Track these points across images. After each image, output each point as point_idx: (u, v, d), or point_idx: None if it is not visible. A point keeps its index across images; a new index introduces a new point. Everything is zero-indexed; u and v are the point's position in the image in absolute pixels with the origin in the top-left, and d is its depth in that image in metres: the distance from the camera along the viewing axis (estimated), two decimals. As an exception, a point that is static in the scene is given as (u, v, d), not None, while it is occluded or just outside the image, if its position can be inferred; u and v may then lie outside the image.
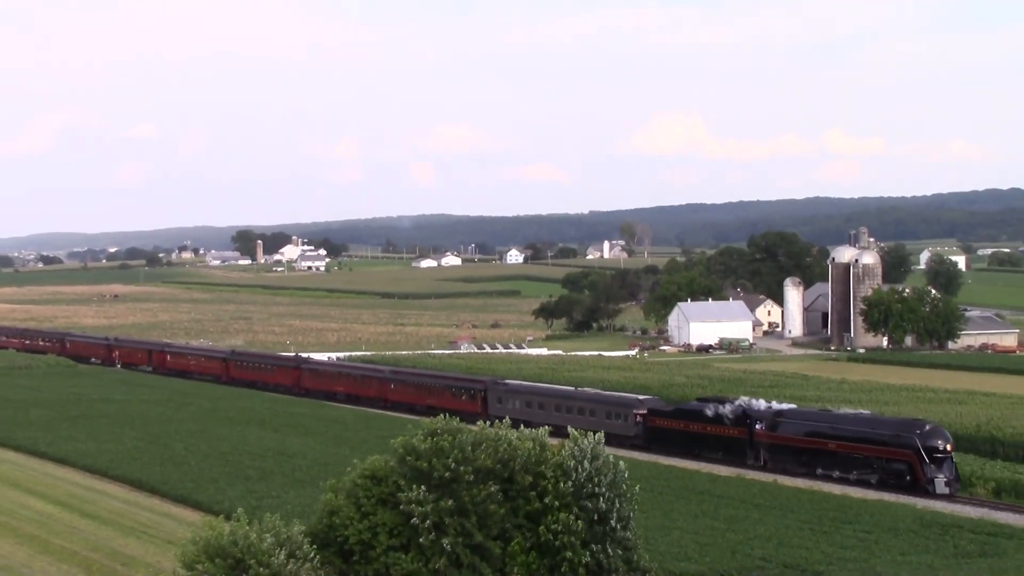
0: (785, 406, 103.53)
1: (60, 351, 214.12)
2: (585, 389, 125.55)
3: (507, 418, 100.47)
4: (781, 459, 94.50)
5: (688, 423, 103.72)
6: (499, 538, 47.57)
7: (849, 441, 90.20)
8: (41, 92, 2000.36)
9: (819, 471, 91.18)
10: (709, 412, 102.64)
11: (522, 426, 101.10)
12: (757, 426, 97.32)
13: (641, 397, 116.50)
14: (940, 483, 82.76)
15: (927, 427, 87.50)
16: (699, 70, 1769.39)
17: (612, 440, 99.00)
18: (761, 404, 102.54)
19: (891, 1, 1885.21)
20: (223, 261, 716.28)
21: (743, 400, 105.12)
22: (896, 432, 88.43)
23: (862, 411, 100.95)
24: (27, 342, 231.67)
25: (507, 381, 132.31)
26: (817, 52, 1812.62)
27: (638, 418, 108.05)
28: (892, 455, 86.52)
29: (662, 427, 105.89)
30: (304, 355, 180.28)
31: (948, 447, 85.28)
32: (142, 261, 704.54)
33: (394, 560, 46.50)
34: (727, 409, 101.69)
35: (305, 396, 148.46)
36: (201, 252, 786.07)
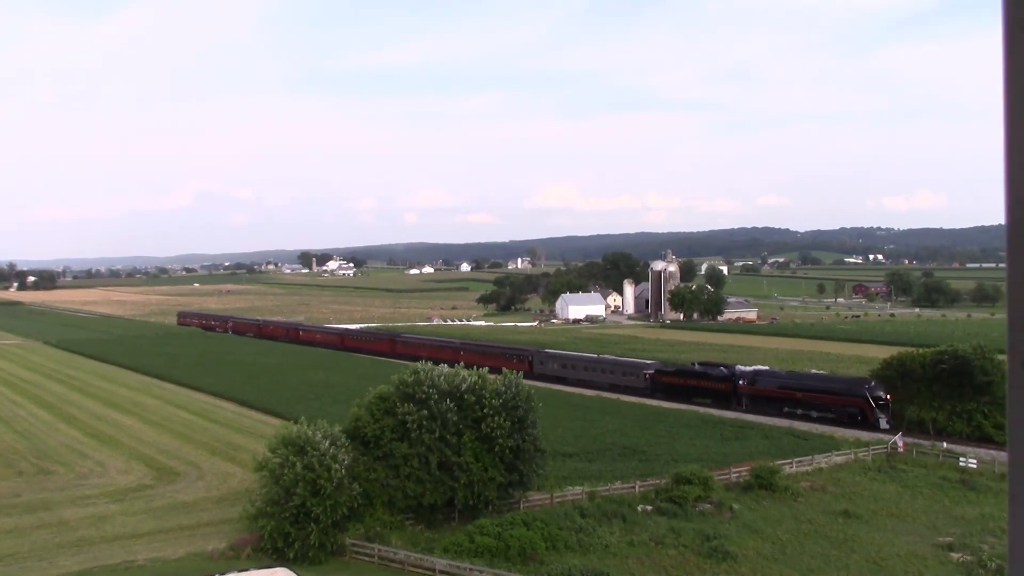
0: (761, 367, 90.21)
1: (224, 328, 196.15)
2: (605, 355, 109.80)
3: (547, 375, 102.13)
4: (758, 404, 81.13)
5: (687, 379, 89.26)
6: (456, 434, 47.50)
7: (812, 392, 78.07)
8: (183, 170, 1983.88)
9: (786, 410, 78.35)
10: (704, 371, 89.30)
11: (559, 381, 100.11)
12: (740, 382, 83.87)
13: (648, 361, 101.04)
14: (883, 421, 71.32)
15: (872, 383, 74.73)
16: (574, 158, 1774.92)
17: (627, 390, 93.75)
18: (744, 367, 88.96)
19: (673, 119, 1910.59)
20: (292, 270, 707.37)
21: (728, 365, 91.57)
22: (849, 386, 76.51)
23: (818, 371, 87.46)
24: (192, 320, 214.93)
25: (547, 350, 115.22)
26: (641, 150, 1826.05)
27: (647, 375, 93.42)
28: (847, 402, 74.19)
29: (665, 382, 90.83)
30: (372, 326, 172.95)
31: (888, 397, 72.71)
32: (244, 271, 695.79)
33: (395, 447, 46.33)
34: (718, 370, 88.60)
35: (398, 359, 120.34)
36: (279, 265, 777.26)
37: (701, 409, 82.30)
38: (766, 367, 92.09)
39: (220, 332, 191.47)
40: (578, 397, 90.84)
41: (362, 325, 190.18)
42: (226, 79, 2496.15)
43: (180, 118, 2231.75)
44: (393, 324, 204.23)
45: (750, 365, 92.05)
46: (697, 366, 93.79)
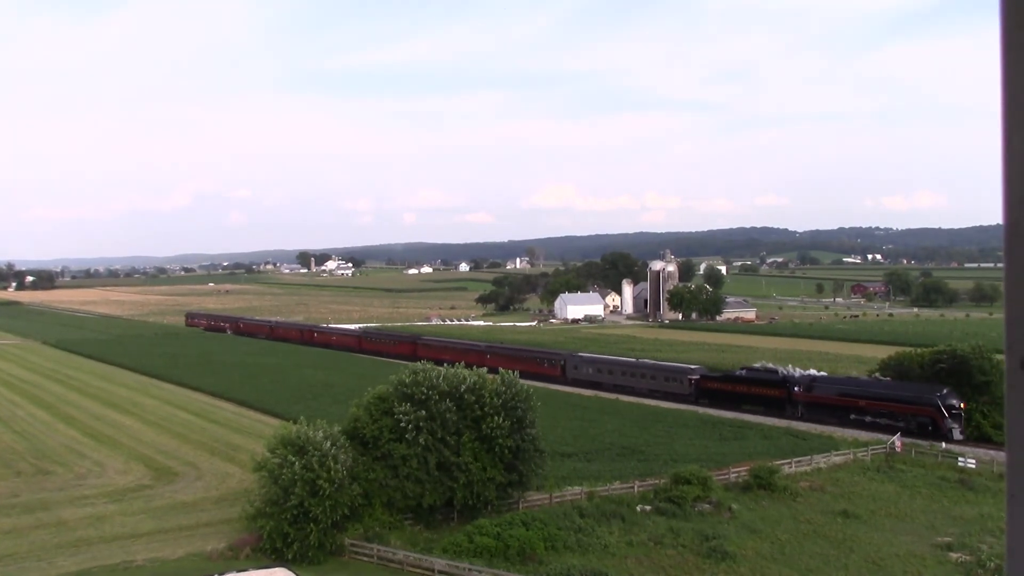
0: (817, 373, 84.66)
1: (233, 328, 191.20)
2: (645, 360, 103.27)
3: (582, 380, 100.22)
4: (815, 412, 76.08)
5: (735, 385, 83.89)
6: (455, 434, 47.55)
7: (877, 400, 72.44)
8: (181, 170, 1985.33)
9: (853, 417, 72.96)
10: (754, 377, 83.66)
11: (595, 387, 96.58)
12: (796, 388, 78.57)
13: (692, 366, 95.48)
14: (956, 431, 66.25)
15: (944, 390, 68.40)
16: (572, 158, 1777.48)
17: (668, 397, 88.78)
18: (796, 372, 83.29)
19: (671, 119, 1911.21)
20: (291, 270, 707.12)
21: (778, 367, 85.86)
22: (919, 393, 69.86)
23: (882, 378, 78.74)
24: (200, 321, 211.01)
25: (581, 354, 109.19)
26: (638, 148, 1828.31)
27: (691, 381, 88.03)
28: (917, 411, 68.62)
29: (711, 388, 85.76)
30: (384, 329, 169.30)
31: (962, 405, 67.47)
32: (243, 271, 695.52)
33: (393, 448, 46.37)
34: (770, 375, 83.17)
35: (419, 362, 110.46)
36: (277, 265, 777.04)
37: (700, 409, 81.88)
38: (823, 372, 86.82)
39: (231, 334, 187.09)
40: (577, 397, 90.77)
41: (361, 325, 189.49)
42: (224, 79, 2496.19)
43: (178, 118, 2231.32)
44: (392, 324, 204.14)
45: (804, 370, 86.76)
46: (743, 371, 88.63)
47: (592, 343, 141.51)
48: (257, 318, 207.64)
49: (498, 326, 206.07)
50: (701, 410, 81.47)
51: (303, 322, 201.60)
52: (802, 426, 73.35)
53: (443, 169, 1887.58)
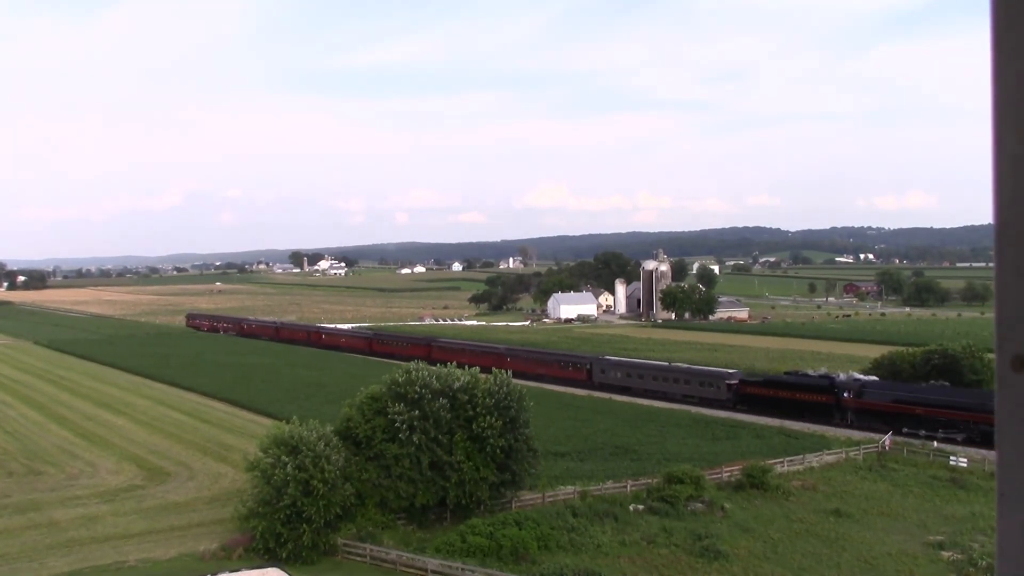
0: (867, 377, 79.36)
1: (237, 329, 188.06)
2: (678, 364, 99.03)
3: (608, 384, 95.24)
4: (866, 420, 72.08)
5: (777, 390, 79.57)
6: (447, 433, 47.52)
7: (937, 407, 68.22)
8: (173, 169, 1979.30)
9: (905, 430, 68.46)
10: (799, 381, 79.99)
11: (624, 391, 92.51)
12: (845, 394, 74.36)
13: (730, 370, 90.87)
14: None
15: None
16: (565, 158, 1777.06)
17: (703, 402, 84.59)
18: (844, 376, 78.90)
19: (664, 119, 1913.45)
20: (283, 270, 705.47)
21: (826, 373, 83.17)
22: (984, 402, 65.12)
23: (940, 384, 74.60)
24: (203, 322, 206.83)
25: (609, 357, 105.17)
26: (631, 148, 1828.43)
27: (729, 386, 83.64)
28: (983, 420, 64.03)
29: (751, 393, 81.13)
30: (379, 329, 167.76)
31: None
32: (235, 270, 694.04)
33: (385, 448, 46.35)
34: (816, 380, 79.31)
35: (434, 365, 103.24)
36: (270, 264, 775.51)
37: (693, 409, 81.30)
38: (874, 377, 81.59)
39: (230, 335, 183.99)
40: (569, 396, 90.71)
41: (353, 325, 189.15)
42: (215, 79, 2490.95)
43: (170, 118, 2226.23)
44: (385, 324, 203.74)
45: (845, 373, 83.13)
46: (787, 375, 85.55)
47: (585, 343, 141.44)
48: (261, 319, 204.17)
49: (491, 326, 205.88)
50: (694, 410, 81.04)
51: (309, 323, 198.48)
52: (795, 425, 73.30)
53: (436, 169, 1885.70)
